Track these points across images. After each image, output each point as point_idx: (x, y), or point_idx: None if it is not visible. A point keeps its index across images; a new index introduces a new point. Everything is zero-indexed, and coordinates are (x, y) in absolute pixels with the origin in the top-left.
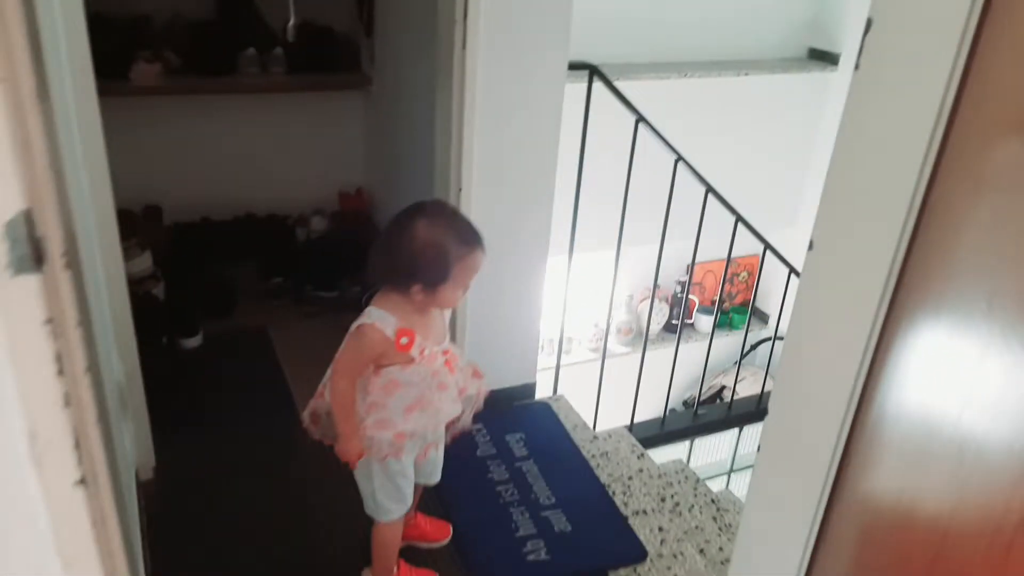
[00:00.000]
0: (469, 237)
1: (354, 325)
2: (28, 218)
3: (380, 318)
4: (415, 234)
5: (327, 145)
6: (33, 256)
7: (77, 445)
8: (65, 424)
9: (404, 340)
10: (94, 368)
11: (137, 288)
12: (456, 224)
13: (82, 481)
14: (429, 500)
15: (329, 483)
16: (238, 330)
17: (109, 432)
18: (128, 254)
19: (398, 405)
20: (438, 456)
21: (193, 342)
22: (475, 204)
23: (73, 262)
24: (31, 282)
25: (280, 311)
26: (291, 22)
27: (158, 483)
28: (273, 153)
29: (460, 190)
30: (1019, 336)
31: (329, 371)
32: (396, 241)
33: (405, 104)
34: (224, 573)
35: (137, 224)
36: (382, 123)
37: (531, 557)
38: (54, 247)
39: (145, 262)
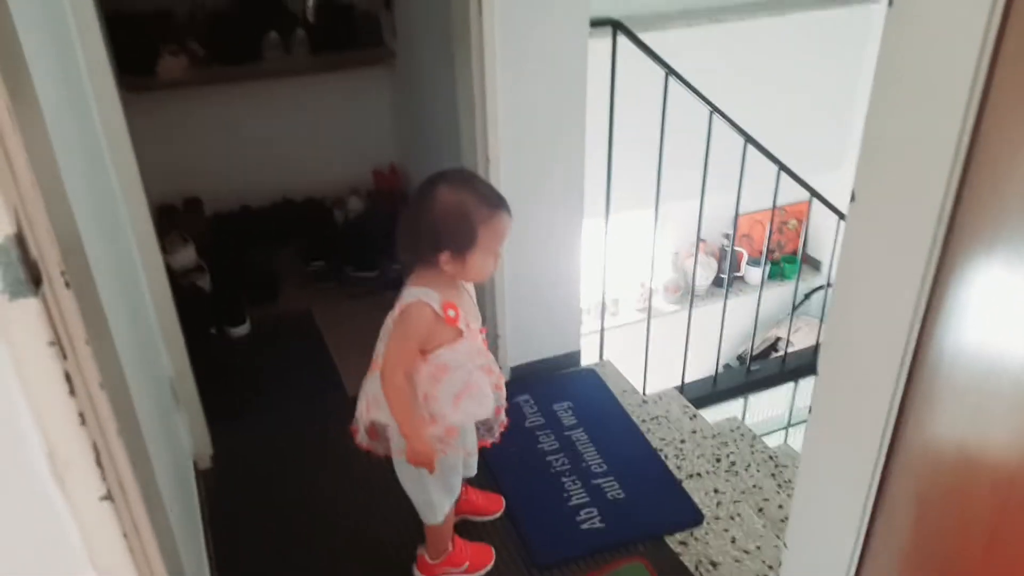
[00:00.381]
0: (492, 199)
1: (396, 311)
2: (19, 241)
3: (424, 295)
4: (436, 200)
5: (357, 123)
6: (29, 279)
7: (99, 461)
8: (83, 442)
9: (452, 312)
10: (114, 382)
11: (183, 280)
12: (477, 187)
13: (108, 495)
14: (480, 473)
15: (384, 461)
16: (284, 316)
17: (140, 441)
18: (171, 247)
19: (447, 394)
20: (475, 451)
21: (241, 330)
22: (504, 172)
23: (79, 279)
24: (31, 305)
25: (323, 294)
26: (310, 2)
27: (217, 470)
28: (305, 136)
29: (488, 159)
30: None
31: (369, 380)
32: (419, 211)
33: (430, 75)
34: (286, 554)
35: (178, 217)
36: (409, 97)
37: (585, 526)
38: (51, 267)
39: (189, 254)
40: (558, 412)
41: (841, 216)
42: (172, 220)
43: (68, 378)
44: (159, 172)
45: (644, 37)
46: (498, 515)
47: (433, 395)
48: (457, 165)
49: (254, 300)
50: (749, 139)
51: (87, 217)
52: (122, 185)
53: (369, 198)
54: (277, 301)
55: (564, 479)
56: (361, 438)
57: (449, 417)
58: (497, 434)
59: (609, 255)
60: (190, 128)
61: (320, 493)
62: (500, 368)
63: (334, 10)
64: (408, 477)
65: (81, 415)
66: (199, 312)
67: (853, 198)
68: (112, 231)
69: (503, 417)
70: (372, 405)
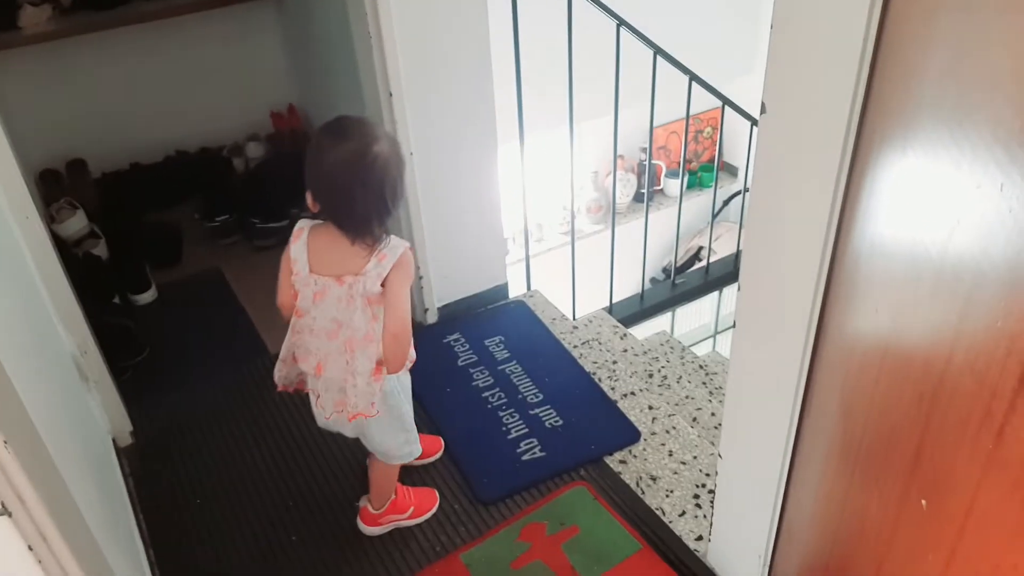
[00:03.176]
0: None
1: (386, 267)
2: None
3: (397, 240)
4: (388, 158)
5: (248, 64)
6: None
7: None
8: None
9: None
10: None
11: (76, 250)
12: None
13: (4, 510)
14: (416, 416)
15: (311, 419)
16: (191, 277)
17: (38, 445)
18: (60, 216)
19: None
20: None
21: (147, 296)
22: (409, 105)
23: None
24: None
25: (231, 250)
26: None
27: (139, 446)
28: (192, 82)
29: (391, 93)
30: (987, 160)
31: (349, 359)
32: (374, 177)
33: (321, 7)
34: (224, 524)
35: (63, 183)
36: (301, 32)
37: (526, 457)
38: None
39: (80, 221)
40: (490, 347)
41: (754, 122)
42: (57, 186)
43: None
44: (36, 135)
45: None
46: (438, 456)
47: None
48: (335, 118)
49: (157, 263)
50: (658, 50)
51: None
52: None
53: (269, 142)
54: (182, 262)
55: (501, 413)
56: (284, 381)
57: None
58: None
59: (528, 180)
60: (64, 84)
61: (251, 458)
62: None
63: None
64: (386, 425)
65: None
66: (99, 282)
67: (763, 110)
68: None
69: None
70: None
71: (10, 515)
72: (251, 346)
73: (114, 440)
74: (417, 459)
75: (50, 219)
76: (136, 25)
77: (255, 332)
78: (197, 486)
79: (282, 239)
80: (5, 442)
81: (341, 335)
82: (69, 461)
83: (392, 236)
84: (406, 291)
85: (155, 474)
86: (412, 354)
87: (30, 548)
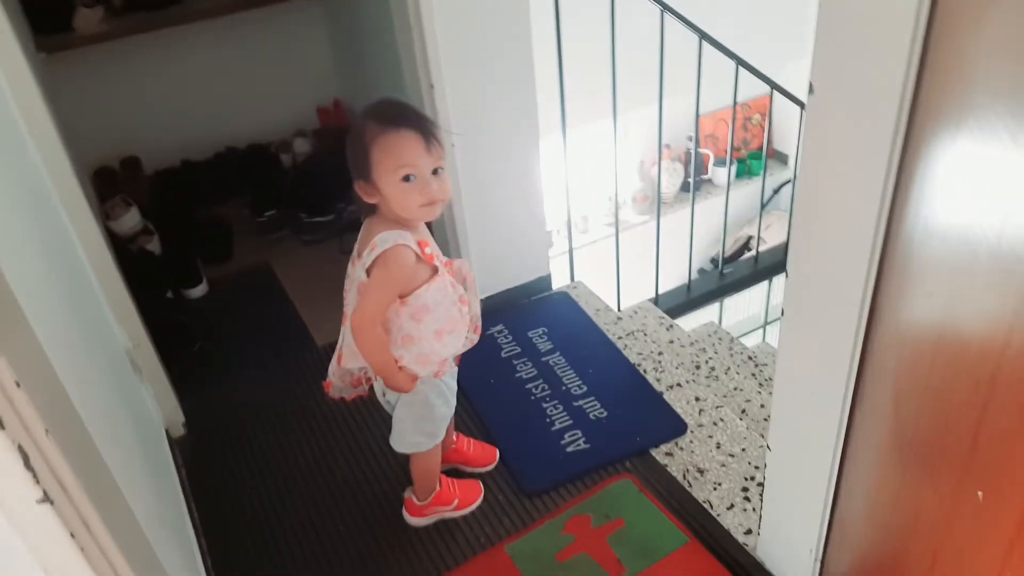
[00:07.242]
0: (388, 116)
1: (367, 259)
2: None
3: (399, 237)
4: (350, 131)
5: (294, 61)
6: None
7: (28, 464)
8: (7, 446)
9: (428, 250)
10: (40, 377)
11: (131, 245)
12: (382, 108)
13: (45, 498)
14: (460, 407)
15: (361, 410)
16: (241, 271)
17: (82, 434)
18: (114, 212)
19: (429, 332)
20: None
21: (199, 291)
22: (450, 96)
23: None
24: None
25: (279, 244)
26: None
27: (190, 437)
28: (241, 80)
29: (432, 85)
30: None
31: (345, 331)
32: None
33: (364, 1)
34: (270, 512)
35: (118, 180)
36: (346, 27)
37: (571, 448)
38: None
39: (133, 218)
40: (533, 339)
41: (803, 107)
42: (111, 183)
43: None
44: (91, 134)
45: None
46: (491, 468)
47: (418, 335)
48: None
49: (208, 258)
50: (704, 36)
51: None
52: (43, 154)
53: (316, 137)
54: (232, 257)
55: (545, 404)
56: (335, 391)
57: (440, 353)
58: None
59: (573, 171)
60: (118, 84)
61: (301, 449)
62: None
63: None
64: (408, 406)
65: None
66: (152, 277)
67: (811, 90)
68: (32, 208)
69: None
70: (349, 357)
71: (52, 503)
72: (299, 339)
73: (167, 431)
74: (468, 466)
75: (105, 216)
76: (185, 24)
77: (303, 325)
78: (247, 475)
79: (329, 233)
80: (47, 431)
81: (347, 320)
82: (116, 450)
83: (382, 235)
84: (379, 292)
85: (206, 464)
86: (432, 367)
87: (72, 535)
